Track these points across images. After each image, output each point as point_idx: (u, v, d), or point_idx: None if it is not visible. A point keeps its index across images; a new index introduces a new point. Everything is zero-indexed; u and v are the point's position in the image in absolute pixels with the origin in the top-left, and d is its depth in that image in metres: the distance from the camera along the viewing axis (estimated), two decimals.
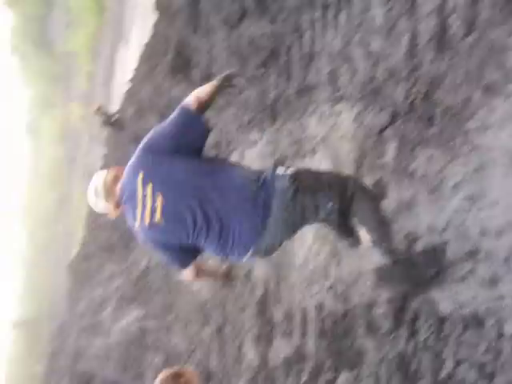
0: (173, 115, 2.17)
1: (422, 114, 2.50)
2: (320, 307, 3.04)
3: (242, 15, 4.33)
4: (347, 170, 3.00)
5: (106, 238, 11.52)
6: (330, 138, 3.29)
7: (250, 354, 3.83)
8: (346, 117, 3.13)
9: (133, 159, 2.21)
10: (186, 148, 2.13)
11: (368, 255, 2.71)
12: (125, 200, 2.23)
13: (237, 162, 2.43)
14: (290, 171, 2.12)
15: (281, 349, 3.41)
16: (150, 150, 2.16)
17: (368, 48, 3.03)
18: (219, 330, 4.55)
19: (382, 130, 2.73)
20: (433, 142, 2.43)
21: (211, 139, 5.19)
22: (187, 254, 2.34)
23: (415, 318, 2.32)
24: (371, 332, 2.56)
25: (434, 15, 2.57)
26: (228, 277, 2.64)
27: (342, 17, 3.35)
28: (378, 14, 2.99)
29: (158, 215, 2.13)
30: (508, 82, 2.09)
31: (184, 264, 2.38)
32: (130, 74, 9.58)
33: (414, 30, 2.69)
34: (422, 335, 2.26)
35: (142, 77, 8.07)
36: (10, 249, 48.51)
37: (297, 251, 3.49)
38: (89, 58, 23.26)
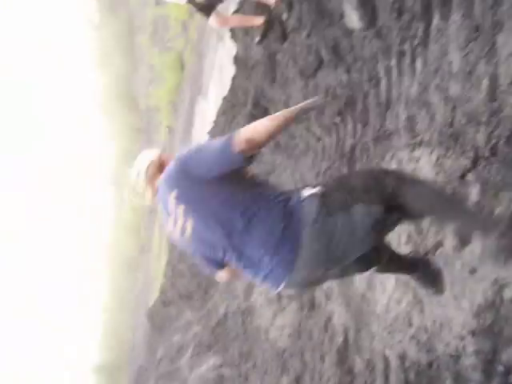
0: (218, 144, 2.06)
1: (505, 158, 2.44)
2: (403, 357, 2.95)
3: (318, 66, 4.45)
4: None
5: (185, 285, 11.73)
6: None
7: None
8: (425, 162, 3.11)
9: (171, 169, 2.16)
10: (222, 176, 2.03)
11: (452, 303, 2.63)
12: (160, 201, 2.23)
13: (273, 187, 2.19)
14: (316, 190, 2.00)
15: None
16: (185, 170, 2.10)
17: (446, 93, 3.02)
18: (298, 380, 4.48)
19: (463, 175, 2.68)
20: None
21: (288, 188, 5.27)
22: (219, 263, 2.27)
23: (508, 371, 2.21)
24: None
25: None
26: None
27: (419, 63, 3.37)
28: (455, 58, 2.99)
29: (187, 235, 2.14)
30: None
31: (215, 270, 2.33)
32: (208, 127, 9.96)
33: (493, 72, 2.66)
34: None
35: (220, 128, 8.38)
36: (92, 294, 50.35)
37: (378, 298, 3.43)
38: (169, 112, 24.39)
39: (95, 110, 40.53)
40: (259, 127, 2.02)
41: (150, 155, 2.34)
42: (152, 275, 24.38)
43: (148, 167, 2.29)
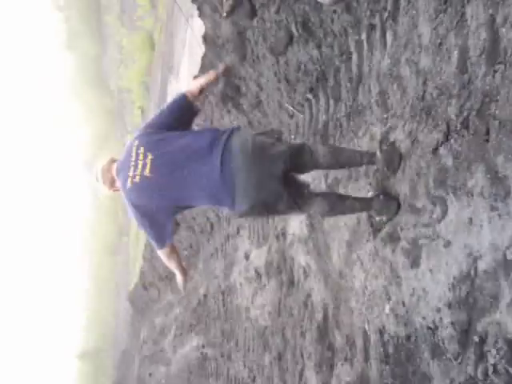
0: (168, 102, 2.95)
1: (477, 130, 2.44)
2: (381, 331, 2.98)
3: (288, 42, 4.38)
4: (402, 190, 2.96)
5: (164, 268, 11.70)
6: None
7: (312, 381, 3.78)
8: (398, 136, 3.10)
9: (135, 134, 2.83)
10: (175, 122, 2.81)
11: (428, 276, 2.65)
12: (119, 170, 2.76)
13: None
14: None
15: (343, 375, 3.36)
16: (145, 127, 2.82)
17: (417, 66, 3.00)
18: (279, 357, 4.51)
19: (435, 149, 2.68)
20: (490, 157, 2.36)
21: None
22: (165, 229, 2.80)
23: (482, 341, 2.23)
24: (436, 356, 2.48)
25: (483, 28, 2.52)
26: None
27: (389, 37, 3.33)
28: (425, 31, 2.96)
29: (147, 169, 2.62)
30: None
31: (161, 239, 2.82)
32: None
33: (463, 44, 2.64)
34: (492, 359, 2.17)
35: None
36: (73, 281, 49.99)
37: (355, 274, 3.45)
38: (141, 92, 24.03)
39: (66, 93, 39.70)
40: (194, 83, 3.02)
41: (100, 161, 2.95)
42: (131, 258, 24.28)
43: (102, 164, 2.88)
